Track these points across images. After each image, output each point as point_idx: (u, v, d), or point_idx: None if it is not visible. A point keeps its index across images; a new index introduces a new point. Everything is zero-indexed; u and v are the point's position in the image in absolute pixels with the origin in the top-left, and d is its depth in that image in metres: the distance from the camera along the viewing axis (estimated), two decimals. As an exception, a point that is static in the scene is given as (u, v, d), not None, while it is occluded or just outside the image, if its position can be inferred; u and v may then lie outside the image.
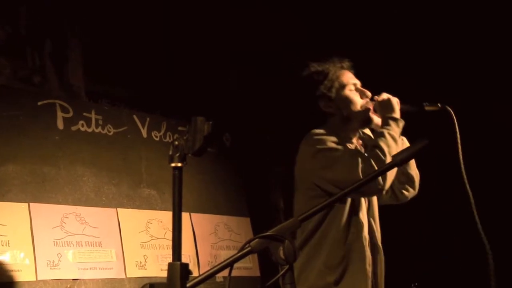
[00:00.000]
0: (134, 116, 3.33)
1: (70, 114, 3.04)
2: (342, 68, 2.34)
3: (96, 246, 2.89)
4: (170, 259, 1.29)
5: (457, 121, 2.14)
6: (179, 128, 3.53)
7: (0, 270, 2.54)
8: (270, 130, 3.89)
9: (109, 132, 3.18)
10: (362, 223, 2.21)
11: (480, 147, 3.18)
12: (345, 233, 2.18)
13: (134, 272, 2.99)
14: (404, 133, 2.25)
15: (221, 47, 3.72)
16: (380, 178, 2.03)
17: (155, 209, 3.24)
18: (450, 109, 2.17)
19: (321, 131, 2.25)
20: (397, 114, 2.20)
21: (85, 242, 2.86)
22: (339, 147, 2.17)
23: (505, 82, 3.42)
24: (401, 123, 2.19)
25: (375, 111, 2.27)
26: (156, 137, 3.41)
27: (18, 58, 2.97)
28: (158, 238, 3.17)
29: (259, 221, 3.68)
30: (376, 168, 2.02)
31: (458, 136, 2.09)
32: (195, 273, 2.83)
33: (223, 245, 3.48)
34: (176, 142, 1.35)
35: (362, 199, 2.25)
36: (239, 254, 1.33)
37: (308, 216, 1.43)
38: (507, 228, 3.20)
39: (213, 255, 3.39)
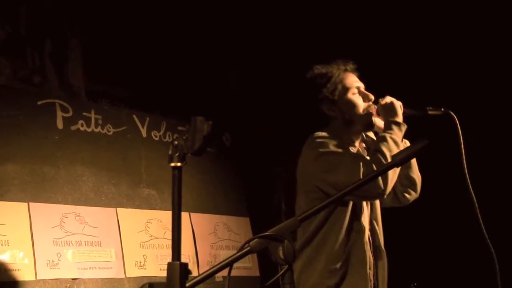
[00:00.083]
0: (134, 116, 3.33)
1: (70, 114, 3.04)
2: (346, 70, 2.33)
3: (95, 245, 2.89)
4: (169, 259, 1.29)
5: (458, 122, 2.15)
6: (179, 128, 3.53)
7: (-1, 269, 2.55)
8: (270, 130, 3.89)
9: (109, 131, 3.19)
10: (364, 227, 2.21)
11: (480, 147, 3.18)
12: (346, 237, 2.18)
13: (134, 271, 2.99)
14: (407, 136, 2.25)
15: (221, 47, 3.72)
16: (380, 181, 2.03)
17: (154, 208, 3.24)
18: (453, 114, 2.17)
19: (324, 134, 2.25)
20: (399, 118, 2.20)
21: (85, 241, 2.86)
22: (342, 150, 2.17)
23: (505, 82, 3.42)
24: (404, 127, 2.19)
25: (378, 114, 2.27)
26: (156, 136, 3.41)
27: (18, 58, 2.98)
28: (157, 238, 3.17)
29: (259, 221, 3.68)
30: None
31: (462, 141, 2.09)
32: (195, 273, 2.82)
33: (222, 245, 3.48)
34: (176, 142, 1.35)
35: (364, 203, 2.25)
36: (238, 254, 1.33)
37: (307, 216, 1.42)
38: (508, 229, 3.20)
39: (212, 255, 3.39)
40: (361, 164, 2.05)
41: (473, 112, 3.29)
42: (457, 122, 2.14)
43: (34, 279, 2.63)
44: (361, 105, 2.28)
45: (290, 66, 3.54)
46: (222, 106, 3.58)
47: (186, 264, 1.28)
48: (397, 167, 1.68)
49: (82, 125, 3.07)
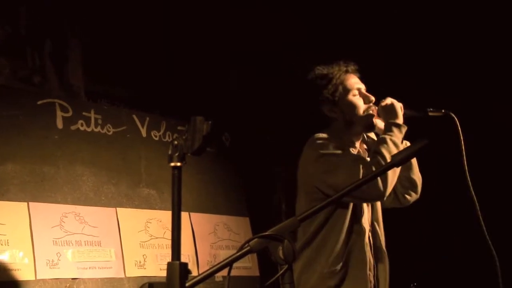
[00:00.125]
0: (134, 116, 3.33)
1: (70, 114, 3.04)
2: (347, 72, 2.33)
3: (95, 245, 2.89)
4: (169, 259, 1.29)
5: (458, 121, 2.15)
6: (179, 128, 3.53)
7: (-1, 269, 2.55)
8: (270, 130, 3.89)
9: (109, 131, 3.18)
10: (364, 229, 2.21)
11: (480, 147, 3.18)
12: (346, 238, 2.18)
13: (133, 271, 2.99)
14: (408, 137, 2.25)
15: (221, 47, 3.72)
16: (380, 183, 2.03)
17: (154, 208, 3.24)
18: (453, 115, 2.17)
19: (324, 135, 2.25)
20: (400, 119, 2.20)
21: (84, 241, 2.86)
22: (342, 152, 2.17)
23: (505, 82, 3.42)
24: (404, 129, 2.19)
25: (378, 115, 2.27)
26: (156, 136, 3.41)
27: (18, 58, 2.97)
28: (157, 238, 3.17)
29: (258, 221, 3.68)
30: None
31: (462, 143, 2.09)
32: (194, 273, 2.82)
33: (222, 245, 3.48)
34: (176, 142, 1.35)
35: (364, 205, 2.25)
36: (238, 254, 1.33)
37: (307, 216, 1.42)
38: (509, 229, 3.20)
39: (212, 255, 3.39)
40: (361, 166, 2.06)
41: (473, 112, 3.30)
42: (458, 123, 2.14)
43: (34, 278, 2.63)
44: (361, 106, 2.28)
45: (290, 66, 3.54)
46: (222, 106, 3.58)
47: (186, 264, 1.28)
48: (397, 167, 1.68)
49: (82, 125, 3.07)
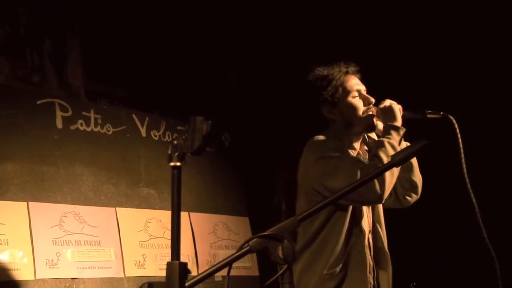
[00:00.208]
0: (133, 116, 3.33)
1: (69, 113, 3.04)
2: (347, 73, 2.32)
3: (95, 245, 2.89)
4: (169, 258, 1.28)
5: (457, 121, 2.14)
6: (178, 128, 3.53)
7: (-2, 269, 2.54)
8: (270, 130, 3.89)
9: (108, 131, 3.18)
10: (364, 231, 2.21)
11: (480, 147, 3.18)
12: (345, 240, 2.18)
13: (133, 271, 2.99)
14: (407, 139, 2.24)
15: (221, 47, 3.72)
16: (377, 186, 2.03)
17: (154, 208, 3.24)
18: (452, 118, 2.16)
19: (324, 138, 2.25)
20: (398, 122, 2.19)
21: (84, 241, 2.86)
22: (340, 155, 2.17)
23: (505, 82, 3.42)
24: (402, 131, 2.18)
25: (378, 117, 2.27)
26: (155, 136, 3.41)
27: (17, 57, 2.97)
28: (157, 237, 3.17)
29: (258, 221, 3.68)
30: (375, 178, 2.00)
31: (461, 145, 2.09)
32: (194, 273, 2.83)
33: (222, 245, 3.48)
34: (175, 142, 1.35)
35: (364, 207, 2.25)
36: (238, 254, 1.33)
37: (306, 216, 1.42)
38: (509, 230, 3.20)
39: (212, 255, 3.39)
40: (359, 170, 2.05)
41: (473, 113, 3.30)
42: (456, 125, 2.14)
43: (33, 278, 2.63)
44: (361, 108, 2.27)
45: (290, 66, 3.54)
46: (221, 106, 3.58)
47: (185, 264, 1.27)
48: (397, 167, 1.68)
49: (81, 125, 3.07)
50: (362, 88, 2.32)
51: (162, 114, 3.50)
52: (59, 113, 3.00)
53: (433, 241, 3.69)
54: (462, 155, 2.06)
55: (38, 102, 2.94)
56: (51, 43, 3.12)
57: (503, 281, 1.90)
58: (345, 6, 3.56)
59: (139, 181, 3.23)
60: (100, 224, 2.96)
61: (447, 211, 3.57)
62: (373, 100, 2.29)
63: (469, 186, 2.01)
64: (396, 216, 2.46)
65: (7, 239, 2.61)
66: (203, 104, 3.46)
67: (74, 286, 2.75)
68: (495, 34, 3.40)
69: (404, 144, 2.29)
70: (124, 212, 3.09)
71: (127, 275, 2.96)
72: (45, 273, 2.67)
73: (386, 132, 2.19)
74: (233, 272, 1.30)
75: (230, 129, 3.77)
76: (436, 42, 3.54)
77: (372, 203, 2.24)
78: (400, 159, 1.55)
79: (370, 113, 2.27)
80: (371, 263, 2.22)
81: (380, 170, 1.73)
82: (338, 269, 2.16)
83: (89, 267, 2.82)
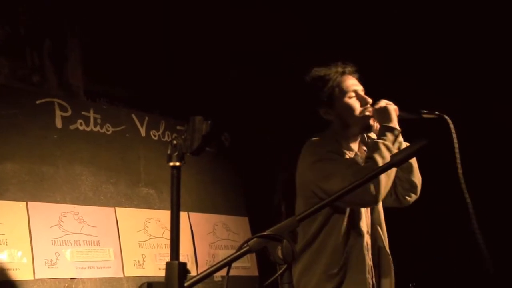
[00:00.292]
0: (133, 115, 3.33)
1: (69, 113, 3.04)
2: (344, 73, 2.31)
3: (94, 245, 2.89)
4: (168, 258, 1.28)
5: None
6: (178, 128, 3.53)
7: (-3, 269, 2.54)
8: (270, 130, 3.89)
9: (108, 131, 3.18)
10: (362, 232, 2.20)
11: (480, 147, 3.18)
12: (344, 241, 2.18)
13: (132, 271, 2.99)
14: (406, 139, 2.24)
15: (221, 47, 3.71)
16: (372, 188, 2.03)
17: (153, 208, 3.24)
18: (447, 118, 2.16)
19: (320, 140, 2.25)
20: (393, 123, 2.17)
21: (83, 241, 2.86)
22: (336, 157, 2.17)
23: (505, 82, 3.42)
24: (397, 132, 2.16)
25: (374, 118, 2.27)
26: (155, 136, 3.41)
27: (17, 57, 2.97)
28: (156, 237, 3.17)
29: (257, 221, 3.68)
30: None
31: (456, 145, 2.08)
32: (193, 273, 2.83)
33: (221, 245, 3.48)
34: (175, 141, 1.35)
35: (363, 208, 2.24)
36: (237, 254, 1.33)
37: (306, 216, 1.42)
38: (508, 230, 3.20)
39: (211, 255, 3.39)
40: (353, 172, 2.05)
41: (473, 112, 3.30)
42: (451, 125, 2.13)
43: (32, 278, 2.62)
44: (357, 108, 2.25)
45: (290, 66, 3.54)
46: (221, 106, 3.58)
47: (184, 264, 1.27)
48: (396, 167, 1.67)
49: (81, 125, 3.07)
50: (359, 88, 2.30)
51: (162, 114, 3.50)
52: (58, 113, 3.00)
53: (433, 241, 3.69)
54: (457, 155, 2.05)
55: (38, 102, 2.94)
56: (51, 43, 3.12)
57: (499, 279, 1.90)
58: (345, 6, 3.56)
59: (138, 181, 3.23)
60: (100, 224, 2.96)
61: (446, 211, 3.57)
62: (370, 100, 2.27)
63: (463, 185, 2.01)
64: (396, 217, 2.46)
65: (6, 239, 2.61)
66: (202, 104, 3.46)
67: (73, 286, 2.75)
68: (495, 34, 3.40)
69: (404, 144, 2.29)
70: (124, 212, 3.09)
71: (126, 275, 2.96)
72: (44, 273, 2.66)
73: (381, 133, 2.18)
74: (233, 272, 1.30)
75: (230, 129, 3.77)
76: (436, 42, 3.54)
77: (368, 205, 2.23)
78: (400, 160, 1.55)
79: (367, 113, 2.25)
80: (370, 263, 2.22)
81: (379, 171, 1.73)
82: (337, 270, 2.16)
83: (88, 267, 2.82)
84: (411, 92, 2.65)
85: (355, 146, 2.33)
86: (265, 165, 3.88)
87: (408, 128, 2.23)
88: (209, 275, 1.32)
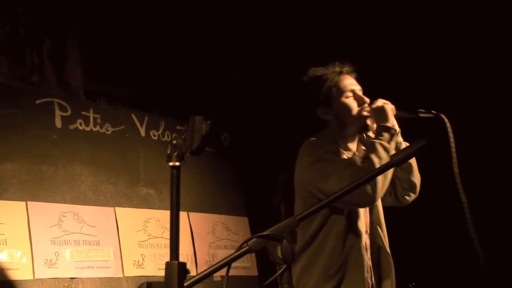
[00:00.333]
0: (132, 115, 3.33)
1: (68, 113, 3.04)
2: (341, 73, 2.30)
3: (93, 245, 2.89)
4: (167, 258, 1.28)
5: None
6: (178, 127, 3.52)
7: (-3, 268, 2.54)
8: (270, 130, 3.89)
9: (107, 131, 3.18)
10: (360, 232, 2.20)
11: (479, 146, 3.18)
12: (342, 242, 2.18)
13: (132, 271, 2.99)
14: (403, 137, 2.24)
15: (221, 47, 3.71)
16: (369, 189, 2.03)
17: (153, 208, 3.24)
18: (444, 117, 2.15)
19: (317, 140, 2.25)
20: (390, 122, 2.16)
21: (83, 241, 2.86)
22: (334, 158, 2.16)
23: (505, 82, 3.42)
24: (394, 132, 2.16)
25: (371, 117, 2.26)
26: (154, 136, 3.41)
27: (17, 57, 2.97)
28: (155, 237, 3.17)
29: (257, 221, 3.67)
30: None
31: (452, 144, 2.07)
32: (193, 272, 2.83)
33: (221, 245, 3.47)
34: (174, 141, 1.35)
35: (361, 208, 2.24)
36: (236, 254, 1.33)
37: (305, 216, 1.42)
38: (507, 230, 3.20)
39: (210, 255, 3.38)
40: (350, 173, 2.05)
41: (473, 112, 3.30)
42: (448, 124, 2.13)
43: (32, 278, 2.62)
44: (354, 108, 2.24)
45: (290, 66, 3.53)
46: (221, 106, 3.58)
47: (184, 264, 1.27)
48: (396, 166, 1.67)
49: (80, 124, 3.07)
50: (357, 88, 2.29)
51: (161, 114, 3.50)
52: (58, 113, 3.00)
53: (432, 241, 3.69)
54: (454, 154, 2.05)
55: (38, 102, 2.93)
56: (51, 43, 3.12)
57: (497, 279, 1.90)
58: (345, 6, 3.56)
59: (138, 181, 3.23)
60: (99, 224, 2.95)
61: (446, 211, 3.57)
62: (367, 100, 2.25)
63: (459, 185, 2.00)
64: (395, 216, 2.46)
65: (5, 239, 2.61)
66: (202, 104, 3.46)
67: (73, 286, 2.75)
68: (495, 34, 3.40)
69: (404, 144, 2.29)
70: (123, 212, 3.09)
71: (126, 275, 2.95)
72: (43, 272, 2.66)
73: (377, 133, 2.18)
74: (232, 272, 1.30)
75: (230, 129, 3.77)
76: (436, 42, 3.54)
77: (365, 205, 2.23)
78: (399, 160, 1.55)
79: (365, 113, 2.24)
80: (369, 263, 2.21)
81: (379, 171, 1.72)
82: (336, 270, 2.16)
83: (88, 267, 2.82)
84: (411, 92, 2.64)
85: (353, 146, 2.33)
86: (265, 165, 3.87)
87: (406, 128, 2.23)
88: (208, 275, 1.32)
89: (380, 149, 2.10)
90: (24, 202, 2.72)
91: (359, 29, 3.59)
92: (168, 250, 1.28)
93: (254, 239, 1.34)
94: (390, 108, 2.19)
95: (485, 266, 1.88)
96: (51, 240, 2.75)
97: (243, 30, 3.66)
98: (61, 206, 2.85)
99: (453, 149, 2.05)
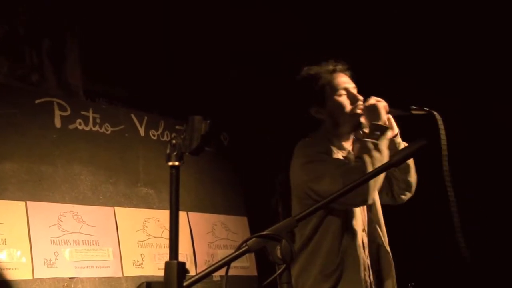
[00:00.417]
0: (132, 115, 3.33)
1: (68, 113, 3.04)
2: (334, 71, 2.29)
3: (93, 244, 2.89)
4: (167, 258, 1.28)
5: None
6: (177, 127, 3.52)
7: (-4, 268, 2.54)
8: (269, 130, 3.88)
9: (107, 130, 3.18)
10: (355, 231, 2.20)
11: (479, 146, 3.18)
12: (338, 241, 2.17)
13: (131, 271, 2.99)
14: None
15: (221, 47, 3.71)
16: (362, 188, 2.02)
17: (152, 208, 3.24)
18: (436, 114, 2.14)
19: (310, 140, 2.25)
20: (382, 120, 2.16)
21: (82, 240, 2.86)
22: (326, 158, 2.16)
23: (504, 82, 3.42)
24: (386, 130, 2.15)
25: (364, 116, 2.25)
26: (154, 136, 3.41)
27: (16, 57, 2.97)
28: (155, 237, 3.17)
29: (256, 221, 3.67)
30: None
31: (443, 141, 2.07)
32: (192, 272, 2.82)
33: (220, 244, 3.47)
34: (174, 141, 1.35)
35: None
36: (236, 253, 1.33)
37: (304, 216, 1.42)
38: (507, 230, 3.20)
39: (210, 254, 3.38)
40: (341, 173, 2.04)
41: (473, 112, 3.30)
42: (440, 121, 2.12)
43: (31, 278, 2.62)
44: (347, 106, 2.23)
45: (290, 66, 3.53)
46: (220, 106, 3.57)
47: (183, 264, 1.27)
48: (395, 167, 1.67)
49: (80, 124, 3.07)
50: (351, 86, 2.28)
51: (161, 113, 3.49)
52: (57, 113, 3.00)
53: (432, 241, 3.69)
54: (445, 152, 2.04)
55: (37, 101, 2.93)
56: (50, 43, 3.12)
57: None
58: (345, 6, 3.56)
59: (137, 181, 3.23)
60: (99, 224, 2.95)
61: (445, 210, 3.57)
62: (361, 98, 2.24)
63: (448, 182, 2.00)
64: (395, 216, 2.46)
65: (5, 239, 2.60)
66: (202, 104, 3.46)
67: (72, 286, 2.75)
68: (495, 34, 3.40)
69: (403, 144, 2.29)
70: (123, 212, 3.09)
71: (125, 275, 2.95)
72: (43, 272, 2.66)
73: (370, 132, 2.17)
74: (231, 272, 1.30)
75: (229, 128, 3.77)
76: (436, 42, 3.54)
77: (359, 205, 2.22)
78: (398, 160, 1.55)
79: (358, 111, 2.23)
80: (367, 261, 2.21)
81: (378, 171, 1.72)
82: (333, 270, 2.16)
83: (87, 267, 2.82)
84: (411, 92, 2.64)
85: (347, 144, 2.31)
86: (265, 165, 3.87)
87: (404, 127, 2.23)
88: (208, 274, 1.32)
89: (372, 148, 2.09)
90: (24, 202, 2.72)
91: (359, 29, 3.59)
92: (167, 250, 1.28)
93: (254, 239, 1.34)
94: (382, 106, 2.18)
95: (468, 260, 1.88)
96: (51, 240, 2.75)
97: (243, 30, 3.66)
98: (60, 205, 2.85)
99: (444, 146, 2.04)
